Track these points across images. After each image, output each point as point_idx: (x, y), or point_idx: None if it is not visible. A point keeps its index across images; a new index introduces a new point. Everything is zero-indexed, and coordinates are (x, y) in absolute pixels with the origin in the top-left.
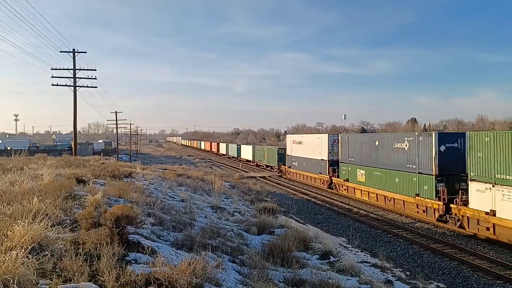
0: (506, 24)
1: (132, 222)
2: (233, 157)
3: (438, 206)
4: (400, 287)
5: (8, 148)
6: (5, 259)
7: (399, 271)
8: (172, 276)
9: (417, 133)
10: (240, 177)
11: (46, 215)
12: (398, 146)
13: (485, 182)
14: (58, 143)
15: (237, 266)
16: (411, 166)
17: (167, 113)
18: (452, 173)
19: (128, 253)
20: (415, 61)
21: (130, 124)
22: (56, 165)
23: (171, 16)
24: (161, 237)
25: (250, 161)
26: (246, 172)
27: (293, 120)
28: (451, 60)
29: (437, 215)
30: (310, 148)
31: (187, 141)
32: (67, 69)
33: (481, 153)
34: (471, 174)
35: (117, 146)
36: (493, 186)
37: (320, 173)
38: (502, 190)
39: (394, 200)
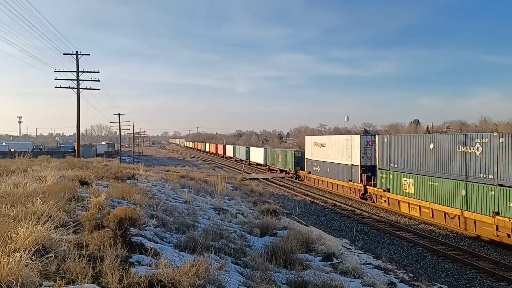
0: (509, 25)
1: (135, 224)
2: (241, 160)
3: None
4: None
5: (12, 150)
6: (9, 261)
7: (402, 272)
8: (175, 278)
9: (495, 134)
10: (243, 179)
11: (50, 217)
12: (466, 150)
13: None
14: (61, 145)
15: (240, 268)
16: (485, 176)
17: (170, 114)
18: None
19: (131, 254)
20: (417, 62)
21: (133, 126)
22: (60, 167)
23: (174, 18)
24: (164, 239)
25: (260, 164)
26: (249, 174)
27: (295, 121)
28: (454, 61)
29: None
30: (336, 151)
31: (191, 143)
32: (71, 71)
33: None
34: None
35: (120, 148)
36: None
37: (350, 181)
38: None
39: (459, 218)
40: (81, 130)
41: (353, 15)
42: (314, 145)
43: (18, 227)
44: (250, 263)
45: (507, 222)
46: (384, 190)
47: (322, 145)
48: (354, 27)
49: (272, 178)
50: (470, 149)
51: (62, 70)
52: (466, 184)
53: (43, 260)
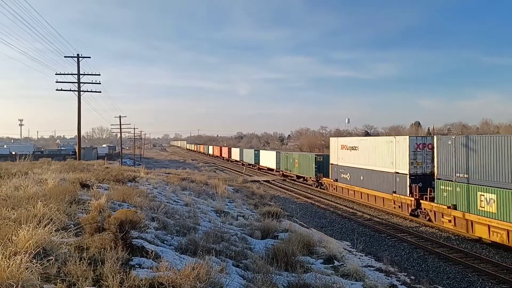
0: (510, 26)
1: (136, 227)
2: (249, 165)
3: None
4: None
5: (13, 152)
6: (9, 264)
7: (404, 275)
8: (176, 281)
9: None
10: (244, 181)
11: (51, 219)
12: None
13: None
14: (62, 148)
15: (241, 270)
16: None
17: (170, 117)
18: None
19: (132, 257)
20: (418, 63)
21: (134, 128)
22: (60, 170)
23: (174, 20)
24: (165, 242)
25: (272, 169)
26: (250, 176)
27: (296, 123)
28: (455, 63)
29: None
30: (374, 156)
31: (193, 145)
32: (72, 74)
33: None
34: None
35: (121, 150)
36: None
37: (395, 193)
38: None
39: None
40: (82, 133)
41: (353, 17)
42: (341, 149)
43: (19, 230)
44: (251, 266)
45: None
46: (449, 207)
47: (353, 148)
48: (354, 29)
49: (273, 180)
50: None
51: (63, 73)
52: None
53: (43, 263)
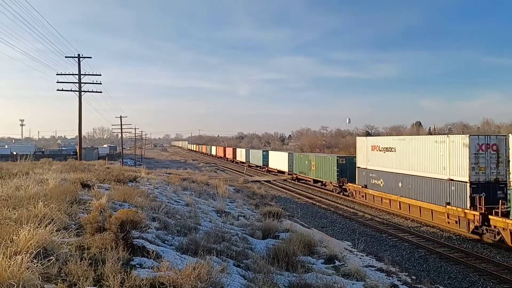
0: (511, 26)
1: (137, 227)
2: (257, 166)
3: None
4: None
5: (14, 153)
6: (10, 264)
7: (405, 275)
8: (177, 281)
9: None
10: (245, 181)
11: (52, 219)
12: None
13: None
14: (63, 148)
15: (242, 270)
16: None
17: (172, 117)
18: None
19: (133, 257)
20: (418, 64)
21: (135, 128)
22: (61, 170)
23: (174, 20)
24: (165, 242)
25: (283, 172)
26: (251, 176)
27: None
28: (455, 63)
29: None
30: (418, 158)
31: (195, 145)
32: (72, 74)
33: None
34: None
35: (122, 150)
36: None
37: (449, 204)
38: None
39: None
40: (83, 133)
41: (353, 17)
42: (373, 150)
43: (20, 230)
44: (252, 266)
45: None
46: None
47: (388, 149)
48: (355, 29)
49: (274, 180)
50: None
51: (64, 73)
52: None
53: (44, 263)
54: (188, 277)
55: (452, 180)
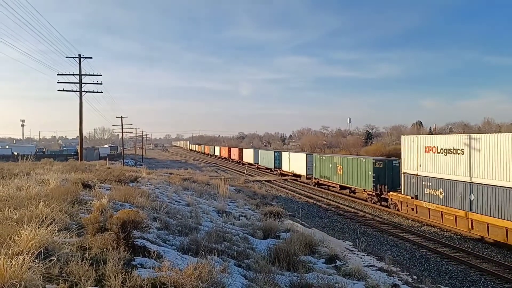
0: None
1: (138, 227)
2: (267, 169)
3: None
4: None
5: (15, 153)
6: (12, 264)
7: (406, 275)
8: (178, 281)
9: None
10: (245, 181)
11: (53, 220)
12: None
13: None
14: (64, 148)
15: (243, 270)
16: None
17: (172, 117)
18: None
19: (134, 257)
20: (420, 64)
21: (136, 128)
22: (62, 170)
23: (176, 21)
24: (167, 242)
25: (299, 176)
26: (252, 176)
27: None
28: (456, 63)
29: None
30: (501, 164)
31: (197, 146)
32: (73, 75)
33: None
34: None
35: (123, 150)
36: None
37: None
38: None
39: None
40: (84, 133)
41: (354, 17)
42: (427, 152)
43: (21, 230)
44: (253, 266)
45: None
46: None
47: (453, 151)
48: (356, 29)
49: (275, 180)
50: None
51: (64, 73)
52: None
53: (46, 263)
54: (189, 277)
55: None
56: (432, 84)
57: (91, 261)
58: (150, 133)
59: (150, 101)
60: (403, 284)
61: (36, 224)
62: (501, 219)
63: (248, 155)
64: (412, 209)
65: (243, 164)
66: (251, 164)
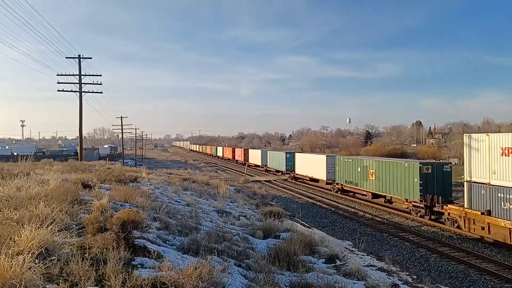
0: None
1: (138, 227)
2: (277, 171)
3: None
4: None
5: (15, 153)
6: (12, 264)
7: (406, 274)
8: (178, 281)
9: None
10: (245, 181)
11: (53, 220)
12: None
13: None
14: (64, 148)
15: (243, 270)
16: None
17: (172, 117)
18: None
19: (134, 257)
20: (420, 64)
21: (135, 129)
22: (62, 170)
23: (177, 22)
24: (167, 242)
25: (316, 180)
26: (252, 176)
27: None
28: (456, 63)
29: None
30: None
31: (198, 146)
32: (73, 75)
33: None
34: None
35: (123, 151)
36: None
37: None
38: None
39: None
40: (84, 134)
41: (355, 17)
42: (505, 155)
43: (22, 230)
44: (253, 266)
45: None
46: None
47: None
48: (356, 29)
49: (275, 180)
50: None
51: (64, 73)
52: None
53: (46, 263)
54: (189, 277)
55: None
56: (432, 84)
57: (91, 261)
58: (150, 133)
59: (150, 101)
60: (403, 283)
61: (36, 224)
62: None
63: (255, 156)
64: (482, 228)
65: (249, 166)
66: (258, 166)
